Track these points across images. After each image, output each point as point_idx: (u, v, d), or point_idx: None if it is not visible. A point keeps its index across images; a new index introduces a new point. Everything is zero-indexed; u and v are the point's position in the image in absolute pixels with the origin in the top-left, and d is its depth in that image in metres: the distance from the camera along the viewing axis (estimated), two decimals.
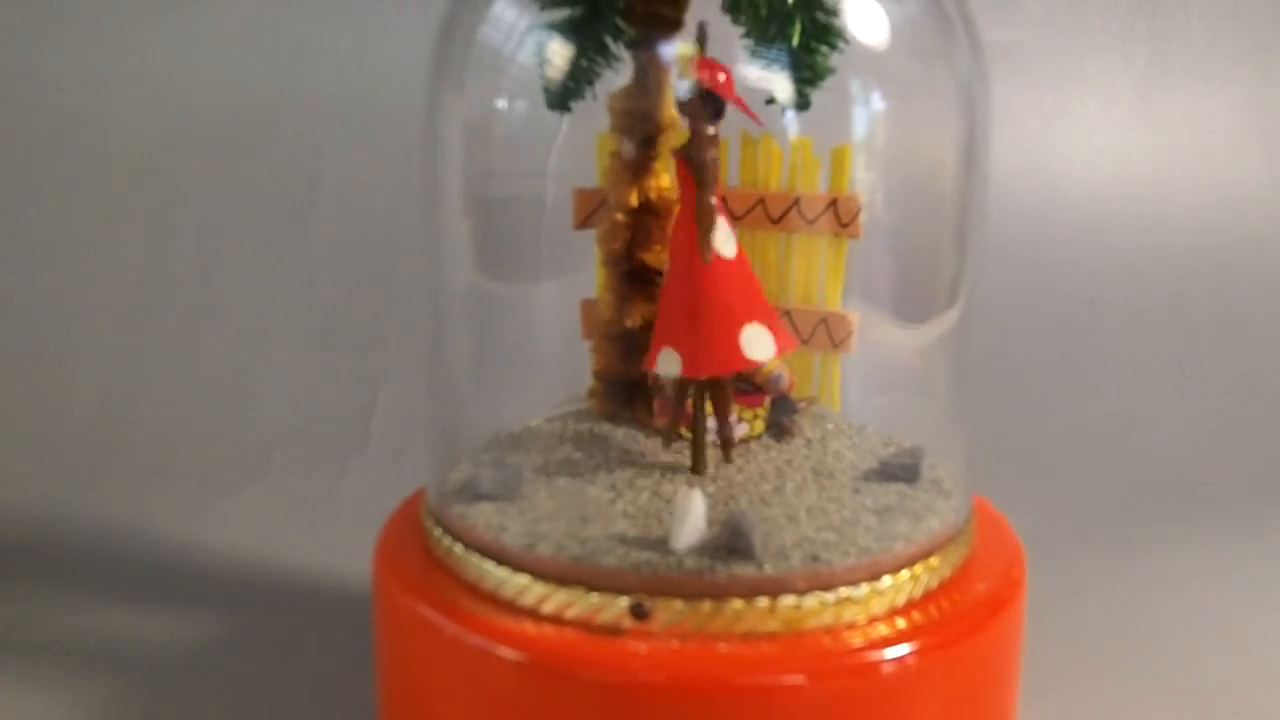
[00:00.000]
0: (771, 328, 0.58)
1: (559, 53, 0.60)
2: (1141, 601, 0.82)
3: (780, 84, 0.58)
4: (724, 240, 0.57)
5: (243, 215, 1.17)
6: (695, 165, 0.56)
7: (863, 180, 0.61)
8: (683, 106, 0.57)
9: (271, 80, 1.19)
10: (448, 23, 0.61)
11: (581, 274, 0.68)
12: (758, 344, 0.58)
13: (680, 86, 0.57)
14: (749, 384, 0.64)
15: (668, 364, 0.58)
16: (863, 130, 0.60)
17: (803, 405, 0.67)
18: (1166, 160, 1.29)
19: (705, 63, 0.56)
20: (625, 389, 0.67)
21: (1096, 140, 1.29)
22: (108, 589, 0.83)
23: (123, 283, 1.14)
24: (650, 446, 0.63)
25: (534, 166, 0.64)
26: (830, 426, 0.66)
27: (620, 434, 0.65)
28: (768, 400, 0.65)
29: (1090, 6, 1.30)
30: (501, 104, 0.61)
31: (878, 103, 0.59)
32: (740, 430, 0.64)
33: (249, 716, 0.68)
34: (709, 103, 0.56)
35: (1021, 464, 1.04)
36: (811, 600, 0.51)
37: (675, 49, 0.59)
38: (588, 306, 0.68)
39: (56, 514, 0.94)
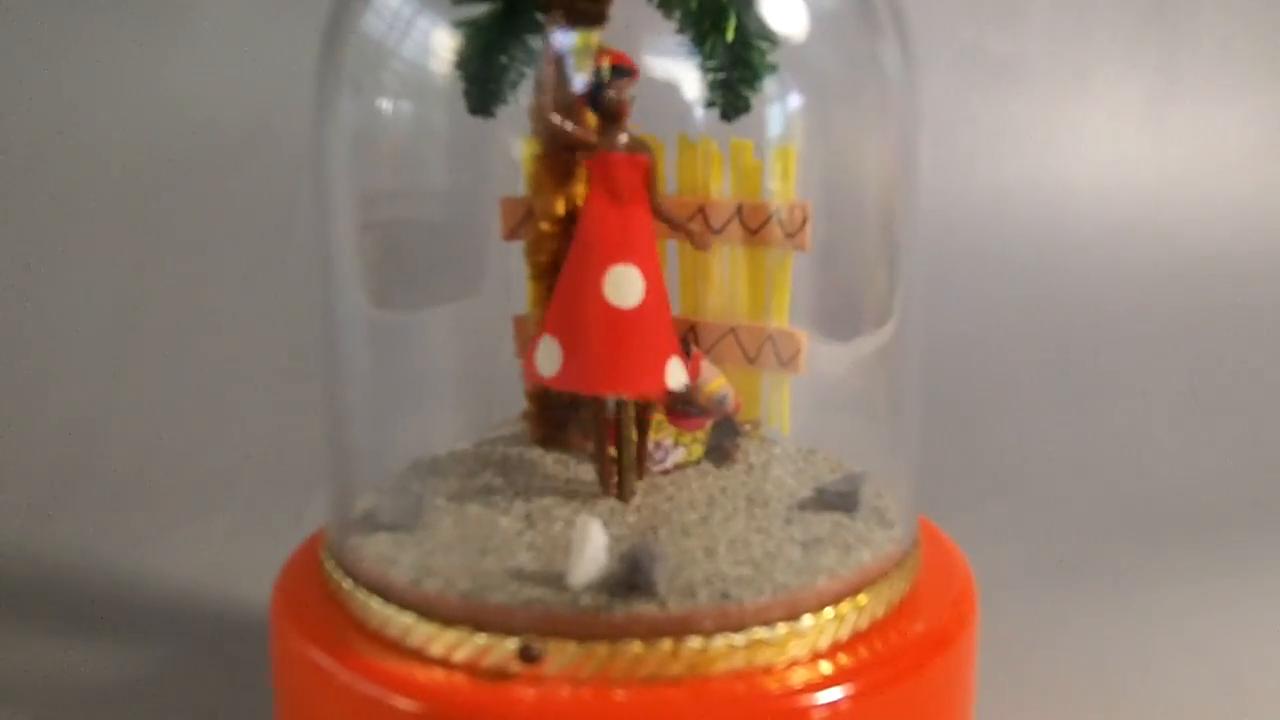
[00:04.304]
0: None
1: (476, 53, 0.56)
2: (1134, 639, 0.76)
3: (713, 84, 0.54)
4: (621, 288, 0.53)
5: (220, 238, 1.16)
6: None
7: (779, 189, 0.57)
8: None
9: (252, 102, 1.17)
10: (334, 21, 0.57)
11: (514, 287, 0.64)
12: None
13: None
14: (691, 405, 0.60)
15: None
16: (778, 132, 0.55)
17: (747, 428, 0.62)
18: (1176, 173, 1.24)
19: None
20: (558, 411, 0.63)
21: (1104, 152, 1.25)
22: (55, 619, 0.81)
23: (98, 305, 1.12)
24: (579, 473, 0.59)
25: (448, 177, 0.60)
26: (777, 451, 0.62)
27: (550, 460, 0.61)
28: (709, 423, 0.61)
29: (1097, 14, 1.26)
30: (409, 110, 0.57)
31: (796, 102, 0.55)
32: (676, 455, 0.60)
33: None
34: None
35: (1018, 487, 1.00)
36: (720, 642, 0.46)
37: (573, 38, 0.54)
38: (520, 322, 0.64)
39: (11, 541, 0.92)
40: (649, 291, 0.53)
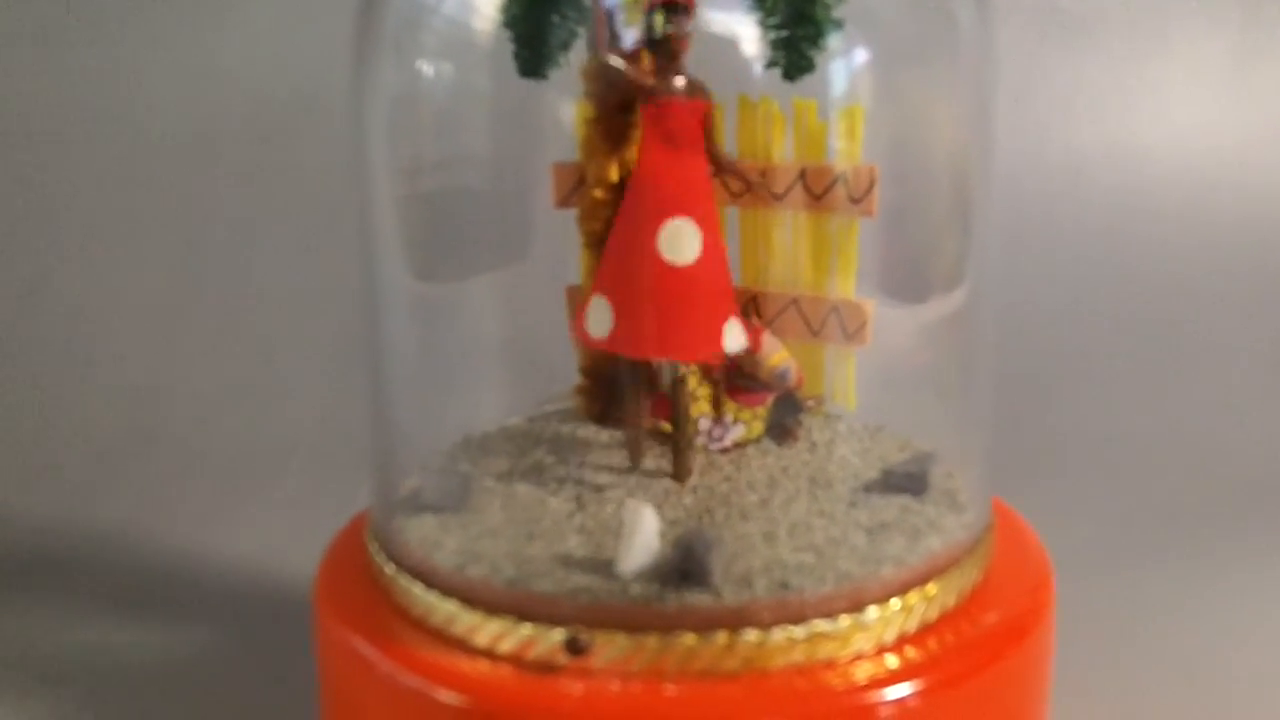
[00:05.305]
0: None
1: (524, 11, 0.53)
2: (1219, 626, 0.73)
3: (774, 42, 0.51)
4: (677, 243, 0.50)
5: (274, 212, 1.14)
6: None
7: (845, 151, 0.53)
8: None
9: (305, 75, 1.15)
10: None
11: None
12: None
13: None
14: (752, 380, 0.57)
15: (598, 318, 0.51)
16: (843, 91, 0.52)
17: (810, 404, 0.59)
18: (1260, 134, 1.19)
19: None
20: (613, 385, 0.60)
21: (1184, 113, 1.20)
22: (105, 597, 0.80)
23: (152, 281, 1.12)
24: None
25: (496, 142, 0.57)
26: (842, 428, 0.59)
27: (605, 436, 0.58)
28: (770, 399, 0.58)
29: None
30: (453, 73, 0.54)
31: (862, 60, 0.51)
32: (735, 433, 0.57)
33: None
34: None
35: (1095, 465, 0.97)
36: (778, 635, 0.43)
37: None
38: (573, 293, 0.61)
39: (62, 519, 0.92)
40: (706, 248, 0.50)
